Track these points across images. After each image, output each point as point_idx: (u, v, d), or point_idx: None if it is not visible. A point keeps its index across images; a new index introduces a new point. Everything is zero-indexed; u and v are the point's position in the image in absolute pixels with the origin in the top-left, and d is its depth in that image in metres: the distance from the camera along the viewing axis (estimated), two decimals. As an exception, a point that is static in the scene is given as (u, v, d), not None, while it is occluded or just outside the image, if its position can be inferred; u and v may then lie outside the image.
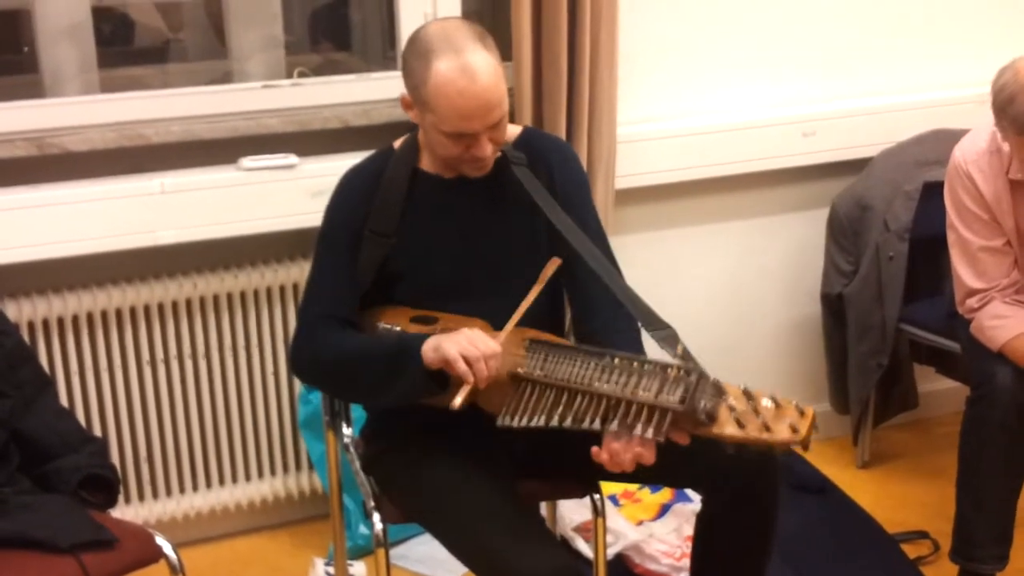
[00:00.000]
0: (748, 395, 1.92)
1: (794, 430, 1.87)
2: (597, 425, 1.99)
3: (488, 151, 2.18)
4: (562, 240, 2.24)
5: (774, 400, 1.91)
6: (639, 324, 2.20)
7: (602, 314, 2.28)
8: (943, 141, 3.19)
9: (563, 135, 3.05)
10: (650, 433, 1.95)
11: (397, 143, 2.37)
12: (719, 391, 1.94)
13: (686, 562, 2.91)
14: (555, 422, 2.03)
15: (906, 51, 3.58)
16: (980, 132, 2.83)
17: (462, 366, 2.05)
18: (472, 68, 2.08)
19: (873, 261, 3.35)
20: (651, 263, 3.44)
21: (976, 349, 2.85)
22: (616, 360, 2.04)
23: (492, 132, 2.16)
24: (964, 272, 2.88)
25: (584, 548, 2.95)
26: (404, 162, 2.32)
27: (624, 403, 1.98)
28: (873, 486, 3.51)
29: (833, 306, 3.49)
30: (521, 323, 2.19)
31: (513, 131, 2.36)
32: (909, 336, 3.40)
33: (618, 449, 1.99)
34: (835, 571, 3.00)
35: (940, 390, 3.76)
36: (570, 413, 2.02)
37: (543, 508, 2.88)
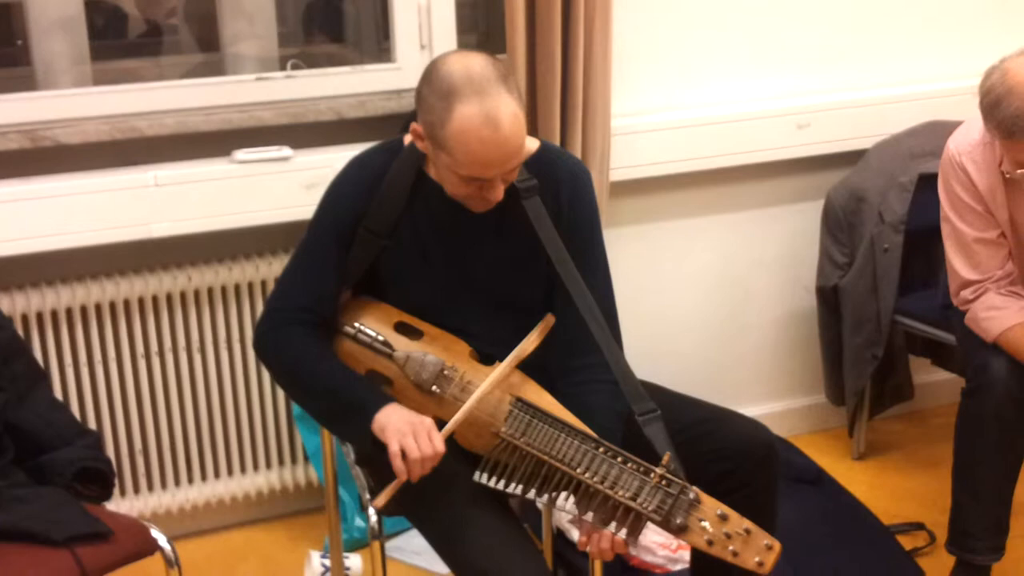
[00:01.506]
0: (723, 517, 1.95)
1: (760, 564, 1.92)
2: (572, 507, 2.02)
3: (500, 195, 2.12)
4: (560, 279, 2.20)
5: (747, 529, 1.94)
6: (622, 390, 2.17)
7: (590, 354, 2.21)
8: (938, 133, 3.18)
9: (557, 127, 3.05)
10: (623, 534, 1.99)
11: (408, 138, 2.27)
12: (695, 507, 1.96)
13: (682, 554, 2.92)
14: (531, 495, 2.05)
15: (900, 43, 3.57)
16: (973, 124, 2.82)
17: (398, 463, 2.05)
18: (496, 116, 2.00)
19: (868, 253, 3.35)
20: (646, 255, 3.44)
21: (971, 340, 2.85)
22: (600, 449, 2.03)
23: (506, 175, 2.11)
24: (958, 264, 2.87)
25: (579, 540, 2.95)
26: (410, 163, 2.25)
27: (601, 495, 2.01)
28: (869, 477, 3.51)
29: (828, 298, 3.49)
30: (512, 340, 2.19)
31: (530, 147, 2.26)
32: (904, 328, 3.40)
33: (596, 540, 2.03)
34: (831, 562, 3.00)
35: (935, 381, 3.77)
36: (547, 490, 2.05)
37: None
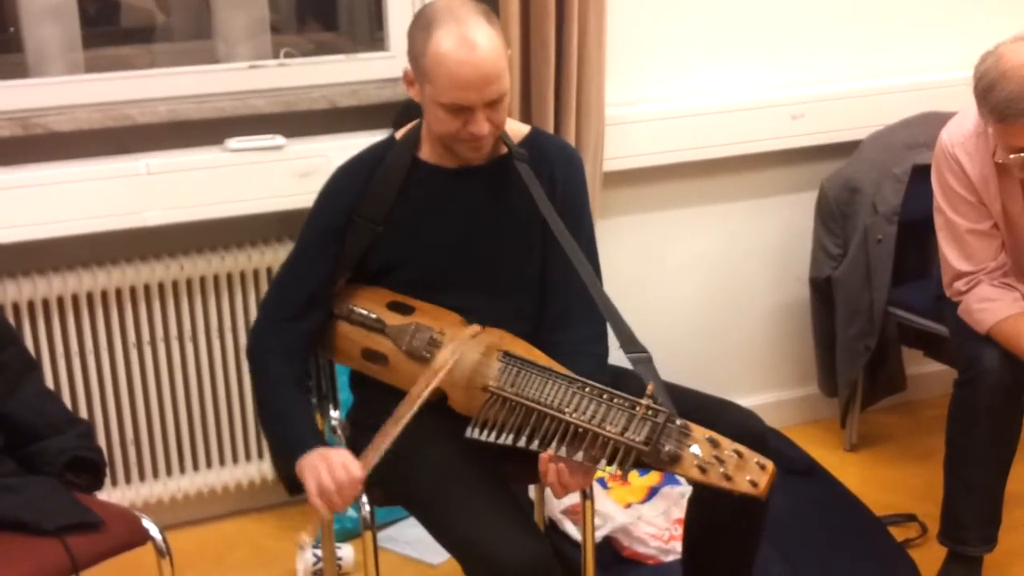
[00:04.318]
0: (713, 442, 1.95)
1: (754, 484, 1.91)
2: (563, 452, 2.03)
3: (485, 129, 2.16)
4: (554, 243, 2.23)
5: (737, 451, 1.94)
6: (607, 346, 2.21)
7: (576, 329, 2.27)
8: (932, 124, 3.18)
9: (551, 117, 3.04)
10: (613, 469, 1.99)
11: (399, 134, 2.35)
12: (684, 434, 1.97)
13: (674, 545, 2.92)
14: (522, 442, 2.07)
15: (895, 33, 3.57)
16: (967, 115, 2.83)
17: (315, 500, 2.09)
18: (472, 39, 2.08)
19: (861, 244, 3.35)
20: (639, 246, 3.44)
21: (964, 332, 2.86)
22: (587, 388, 2.06)
23: (490, 111, 2.15)
24: (951, 255, 2.88)
25: (572, 531, 2.96)
26: (404, 150, 2.31)
27: (590, 434, 2.02)
28: (861, 469, 3.52)
29: (821, 289, 3.49)
30: (508, 318, 2.22)
31: (520, 130, 2.35)
32: (897, 319, 3.40)
33: (567, 476, 2.05)
34: (822, 553, 3.00)
35: (928, 373, 3.77)
36: (537, 435, 2.06)
37: (531, 490, 2.88)
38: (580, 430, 2.03)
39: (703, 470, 1.92)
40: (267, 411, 2.31)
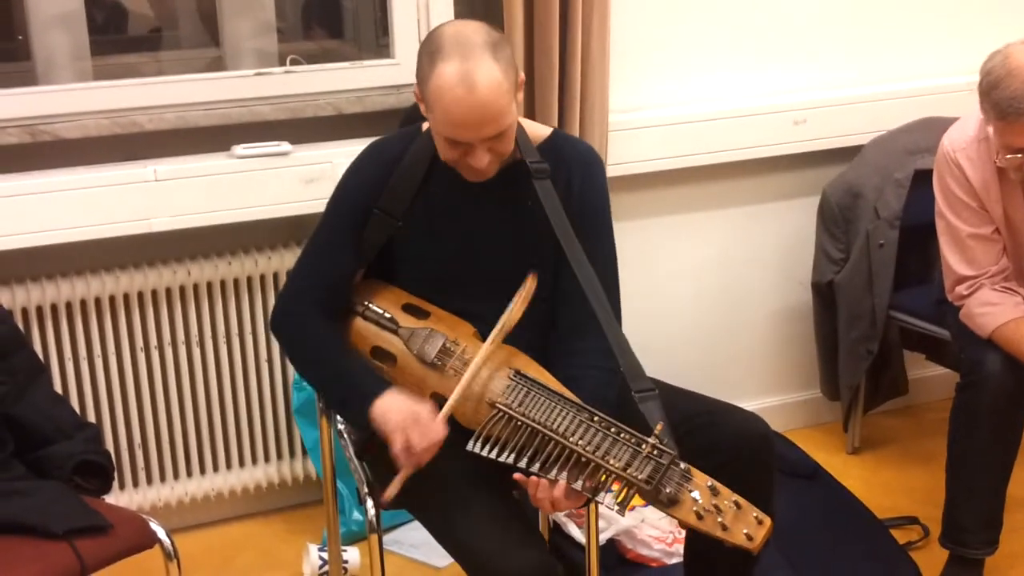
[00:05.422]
0: (714, 490, 1.95)
1: (749, 538, 1.91)
2: (563, 478, 2.02)
3: (483, 163, 2.13)
4: (567, 261, 2.22)
5: (736, 503, 1.94)
6: (616, 369, 2.19)
7: (588, 340, 2.24)
8: (933, 129, 3.19)
9: (555, 123, 3.05)
10: (611, 503, 1.99)
11: (426, 125, 2.30)
12: (686, 478, 1.96)
13: (677, 547, 2.93)
14: (523, 463, 2.06)
15: (897, 39, 3.58)
16: (969, 120, 2.84)
17: (402, 458, 2.09)
18: (472, 78, 2.02)
19: (863, 249, 3.36)
20: (642, 251, 3.44)
21: (965, 336, 2.87)
22: (595, 419, 2.04)
23: (491, 143, 2.12)
24: (953, 259, 2.89)
25: (576, 533, 2.97)
26: (426, 147, 2.28)
27: (592, 465, 2.01)
28: (863, 472, 3.53)
29: (824, 294, 3.50)
30: (519, 325, 2.20)
31: (541, 133, 2.31)
32: (899, 323, 3.41)
33: (561, 499, 2.04)
34: (825, 556, 3.01)
35: (930, 376, 3.78)
36: (538, 459, 2.05)
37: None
38: (583, 459, 2.01)
39: (700, 517, 1.93)
40: (322, 366, 2.29)
